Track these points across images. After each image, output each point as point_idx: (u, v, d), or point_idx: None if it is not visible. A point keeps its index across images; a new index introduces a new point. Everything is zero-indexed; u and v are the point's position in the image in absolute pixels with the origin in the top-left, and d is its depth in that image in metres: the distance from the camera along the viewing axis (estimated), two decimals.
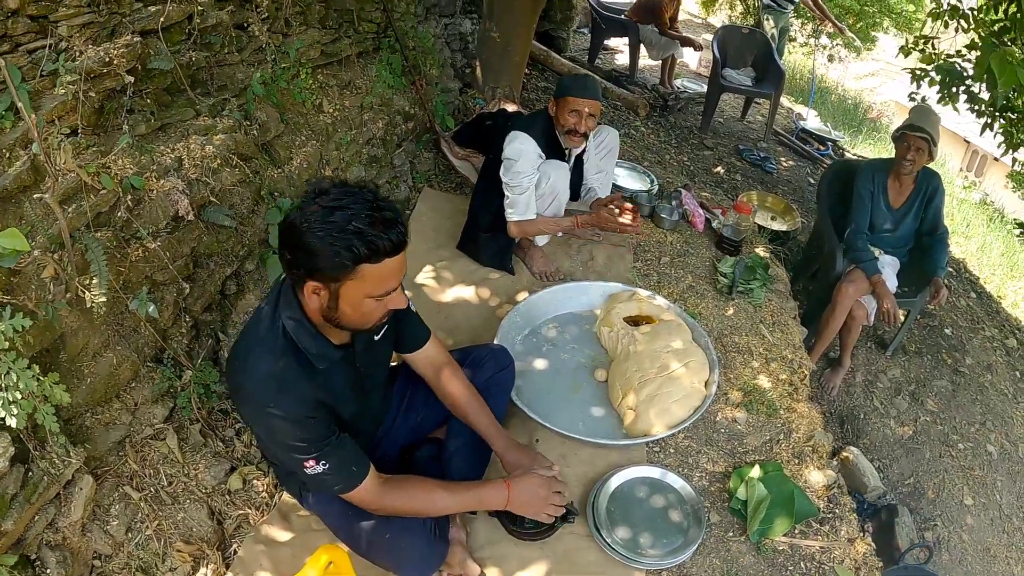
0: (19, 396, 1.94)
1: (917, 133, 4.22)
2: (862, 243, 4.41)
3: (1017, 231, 9.64)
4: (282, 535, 2.54)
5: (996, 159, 11.06)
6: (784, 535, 2.74)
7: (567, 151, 3.77)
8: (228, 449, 2.76)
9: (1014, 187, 10.55)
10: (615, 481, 2.80)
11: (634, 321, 3.47)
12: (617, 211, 3.67)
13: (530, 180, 3.57)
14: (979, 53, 3.68)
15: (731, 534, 2.74)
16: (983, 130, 5.45)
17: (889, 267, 4.47)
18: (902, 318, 4.71)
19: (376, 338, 2.24)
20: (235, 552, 2.50)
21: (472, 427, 2.51)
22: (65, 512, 2.21)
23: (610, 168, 4.11)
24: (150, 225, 2.63)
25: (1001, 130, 5.40)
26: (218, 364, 2.91)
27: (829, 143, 7.94)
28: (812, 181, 7.08)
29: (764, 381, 3.44)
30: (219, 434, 2.78)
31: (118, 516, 2.35)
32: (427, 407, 2.65)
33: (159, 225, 2.68)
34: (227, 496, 2.62)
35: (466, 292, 3.79)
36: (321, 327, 2.01)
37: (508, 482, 2.31)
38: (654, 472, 2.87)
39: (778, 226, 5.62)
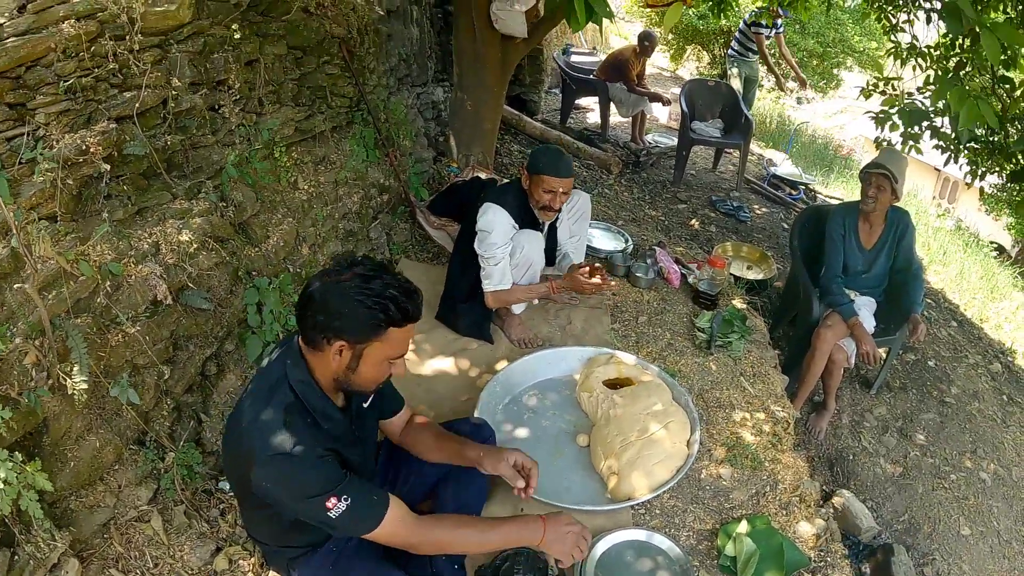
0: (1, 484, 1.94)
1: (877, 170, 4.31)
2: (836, 287, 4.45)
3: (995, 254, 9.77)
4: None
5: (967, 184, 11.21)
6: None
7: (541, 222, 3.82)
8: (213, 530, 2.73)
9: (987, 209, 10.69)
10: (601, 546, 2.78)
11: (613, 384, 3.49)
12: (588, 274, 3.72)
13: (504, 251, 3.61)
14: (936, 86, 3.75)
15: None
16: (947, 162, 5.55)
17: (865, 308, 4.51)
18: (883, 356, 4.73)
19: (364, 406, 2.35)
20: None
21: (449, 459, 2.56)
22: None
23: (583, 232, 4.15)
24: (129, 310, 2.64)
25: (966, 160, 5.49)
26: (200, 445, 2.90)
27: (801, 187, 8.05)
28: (786, 226, 7.15)
29: (747, 434, 3.44)
30: (203, 515, 2.75)
31: None
32: (410, 480, 2.66)
33: (138, 310, 2.69)
34: None
35: (445, 363, 3.80)
36: (326, 389, 2.13)
37: (543, 518, 2.31)
38: (640, 535, 2.85)
39: (754, 275, 5.67)
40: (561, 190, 3.57)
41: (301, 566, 2.34)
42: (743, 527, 2.83)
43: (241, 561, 2.65)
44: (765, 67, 8.72)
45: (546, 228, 3.88)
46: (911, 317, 4.36)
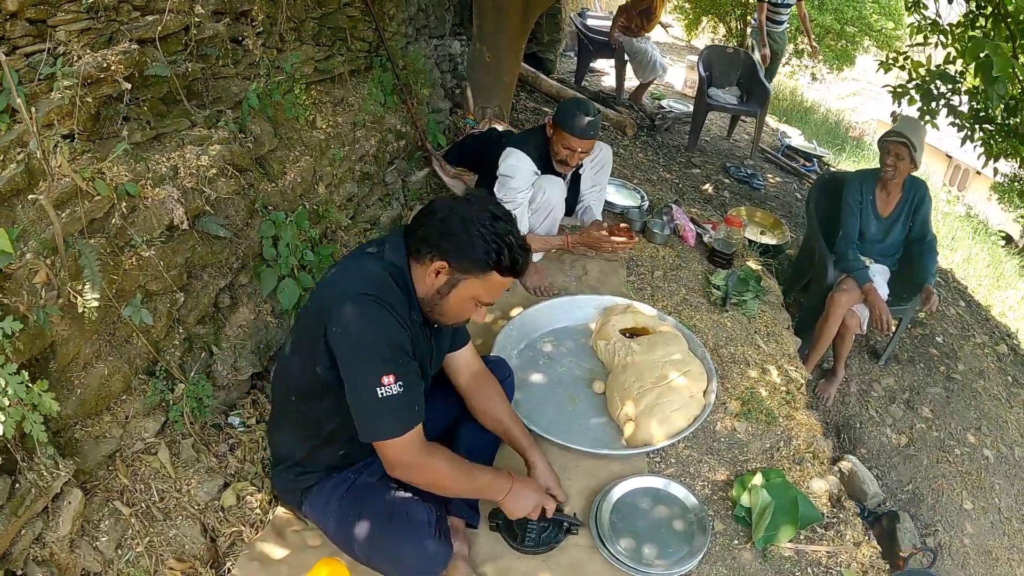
0: (7, 403, 1.85)
1: (896, 138, 4.23)
2: (852, 252, 4.38)
3: (1002, 242, 9.72)
4: (277, 552, 2.41)
5: (978, 172, 11.10)
6: (789, 541, 2.65)
7: None
8: (221, 465, 2.64)
9: (997, 199, 10.60)
10: (617, 492, 2.70)
11: (630, 333, 3.39)
12: (607, 233, 3.63)
13: (524, 196, 3.50)
14: (970, 46, 3.67)
15: (736, 542, 2.65)
16: (963, 142, 5.45)
17: (880, 276, 4.46)
18: (894, 326, 4.66)
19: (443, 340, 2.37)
20: (229, 570, 2.37)
21: (507, 441, 2.53)
22: (53, 527, 2.09)
23: (603, 183, 4.05)
24: (144, 233, 2.53)
25: (980, 141, 5.40)
26: (211, 378, 2.80)
27: (815, 159, 7.95)
28: (799, 196, 7.07)
29: (762, 390, 3.37)
30: (212, 449, 2.67)
31: (108, 532, 2.24)
32: (436, 414, 2.55)
33: (153, 234, 2.57)
34: (220, 513, 2.51)
35: None
36: (422, 294, 2.11)
37: (514, 480, 2.29)
38: (657, 482, 2.78)
39: (768, 240, 5.57)
40: (580, 150, 3.48)
41: (314, 494, 2.27)
42: (758, 480, 2.75)
43: (249, 497, 2.58)
44: (759, 39, 8.25)
45: (569, 177, 3.77)
46: (924, 287, 4.31)
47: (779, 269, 5.51)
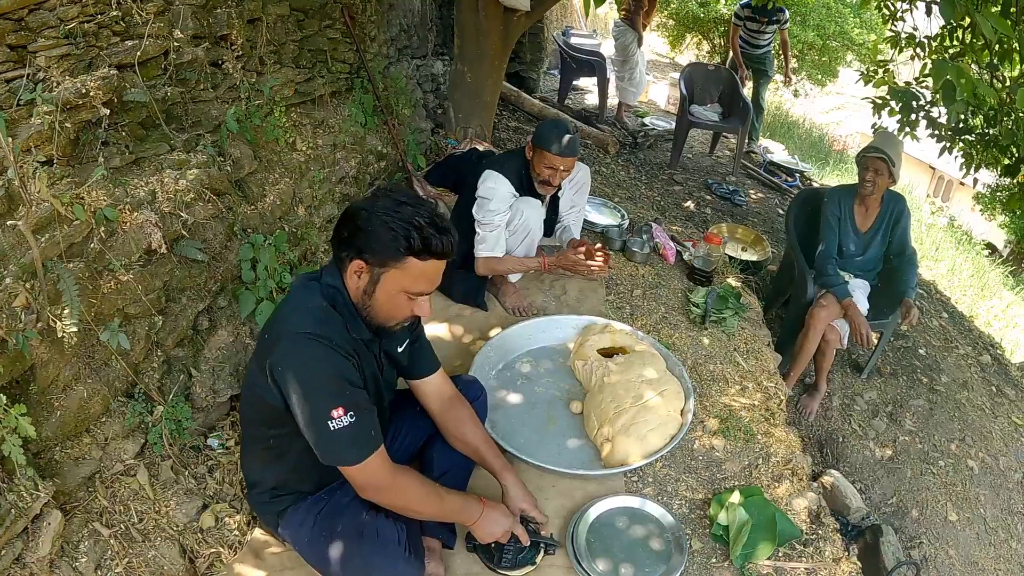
0: None
1: (874, 154, 4.27)
2: (831, 268, 4.43)
3: (986, 252, 9.80)
4: (255, 574, 2.44)
5: (961, 183, 11.17)
6: (768, 559, 2.68)
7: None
8: (200, 486, 2.67)
9: (981, 209, 10.70)
10: (594, 512, 2.74)
11: (607, 353, 3.43)
12: (584, 256, 3.69)
13: (502, 218, 3.55)
14: (932, 68, 3.75)
15: (714, 560, 2.68)
16: (941, 152, 5.51)
17: (859, 290, 4.49)
18: (875, 340, 4.71)
19: (399, 350, 2.35)
20: None
21: (480, 464, 2.53)
22: (33, 547, 2.11)
23: (582, 203, 4.09)
24: (123, 257, 2.57)
25: (960, 152, 5.47)
26: (190, 400, 2.83)
27: (796, 174, 8.01)
28: (781, 212, 7.11)
29: (740, 408, 3.41)
30: (191, 471, 2.69)
31: (87, 553, 2.26)
32: (408, 435, 2.61)
33: (132, 258, 2.62)
34: (199, 534, 2.53)
35: (439, 329, 3.73)
36: (355, 302, 2.10)
37: (485, 504, 2.33)
38: (633, 501, 2.81)
39: (748, 256, 5.63)
40: (562, 168, 3.52)
41: (288, 516, 2.29)
42: (736, 497, 2.79)
43: (227, 519, 2.60)
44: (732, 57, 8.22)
45: (547, 198, 3.82)
46: (904, 301, 4.32)
47: (760, 285, 5.56)
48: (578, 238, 4.01)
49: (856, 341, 4.31)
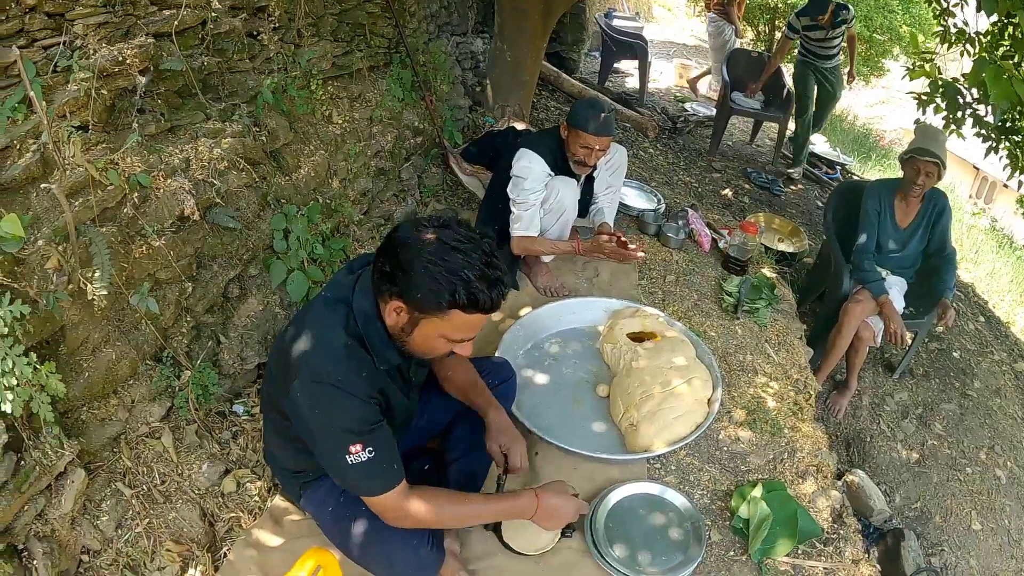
0: (15, 383, 1.93)
1: (927, 158, 4.17)
2: (868, 263, 4.37)
3: None
4: (273, 540, 2.48)
5: (1005, 185, 10.92)
6: (787, 555, 2.67)
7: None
8: (224, 451, 2.71)
9: (1023, 213, 10.49)
10: (614, 497, 2.74)
11: (637, 338, 3.41)
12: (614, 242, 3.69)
13: (536, 197, 3.54)
14: (973, 67, 3.67)
15: (732, 553, 2.67)
16: (987, 153, 5.38)
17: (896, 288, 4.43)
18: (909, 340, 4.64)
19: None
20: (225, 555, 2.44)
21: (469, 403, 2.51)
22: (55, 504, 2.16)
23: (618, 185, 4.07)
24: (155, 223, 2.60)
25: (1006, 152, 5.35)
26: (217, 366, 2.87)
27: (838, 167, 7.90)
28: (820, 204, 7.03)
29: (768, 400, 3.39)
30: (215, 436, 2.73)
31: (109, 512, 2.31)
32: (432, 412, 2.61)
33: (164, 224, 2.65)
34: (220, 498, 2.57)
35: None
36: (391, 333, 2.00)
37: (538, 495, 2.27)
38: (654, 488, 2.81)
39: (784, 247, 5.57)
40: (598, 147, 3.50)
41: (311, 490, 2.32)
42: (758, 491, 2.78)
43: (249, 485, 2.64)
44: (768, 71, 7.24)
45: (583, 178, 3.80)
46: (941, 301, 4.25)
47: (795, 278, 5.50)
48: (610, 223, 3.98)
49: (890, 340, 4.24)
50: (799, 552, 2.71)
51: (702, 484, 2.93)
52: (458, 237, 1.85)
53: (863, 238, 4.44)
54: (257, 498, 2.61)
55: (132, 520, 2.36)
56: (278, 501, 2.61)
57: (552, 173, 3.58)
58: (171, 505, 2.46)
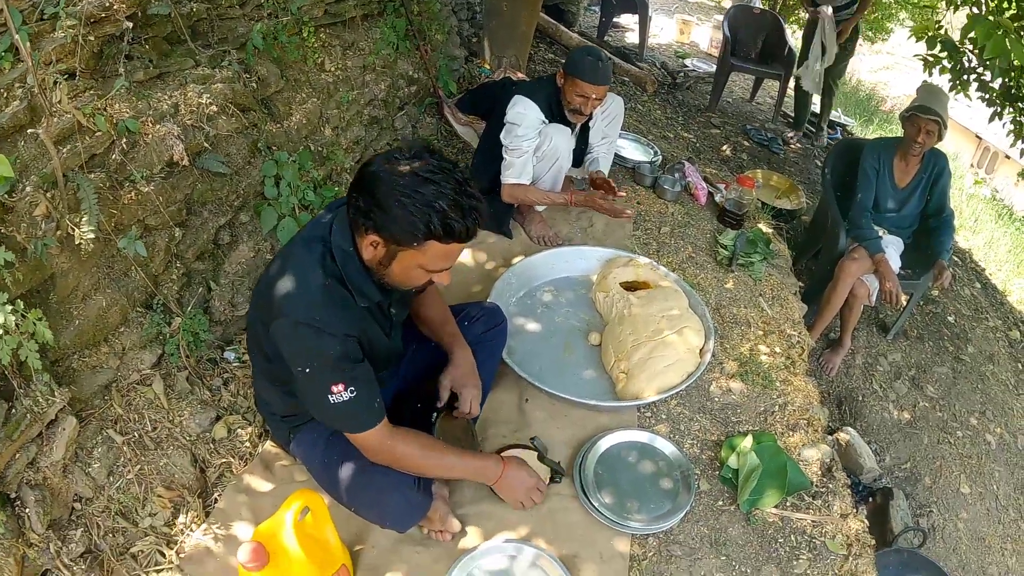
0: (1, 332, 1.94)
1: (928, 116, 4.16)
2: (865, 221, 4.37)
3: None
4: (263, 485, 2.52)
5: (1007, 156, 10.87)
6: (775, 507, 2.71)
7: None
8: (215, 398, 2.73)
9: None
10: (604, 444, 2.78)
11: (630, 287, 3.43)
12: (603, 193, 3.72)
13: (530, 144, 3.53)
14: (967, 23, 3.64)
15: (721, 503, 2.71)
16: (991, 119, 5.37)
17: (892, 247, 4.43)
18: (904, 300, 4.66)
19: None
20: (216, 500, 2.47)
21: (437, 340, 2.55)
22: (47, 452, 2.18)
23: (614, 135, 4.05)
24: (144, 169, 2.60)
25: (1010, 118, 5.32)
26: (208, 313, 2.89)
27: (839, 127, 7.86)
28: (819, 164, 7.00)
29: (761, 353, 3.41)
30: (206, 383, 2.75)
31: (100, 459, 2.33)
32: (416, 357, 2.64)
33: (153, 170, 2.64)
34: (211, 444, 2.60)
35: (462, 254, 3.70)
36: (369, 267, 2.01)
37: (506, 463, 2.37)
38: (644, 437, 2.84)
39: (782, 205, 5.56)
40: (594, 96, 3.47)
41: (302, 433, 2.35)
42: (748, 442, 2.81)
43: (240, 430, 2.67)
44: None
45: (578, 128, 3.78)
46: (937, 262, 4.27)
47: (792, 236, 5.51)
48: (605, 172, 3.98)
49: (884, 299, 4.26)
50: (787, 504, 2.74)
51: (692, 434, 2.96)
52: (430, 168, 1.85)
53: (861, 196, 4.44)
54: (248, 444, 2.64)
55: (123, 467, 2.38)
56: (269, 447, 2.64)
57: (546, 120, 3.56)
58: (162, 452, 2.48)
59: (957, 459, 4.47)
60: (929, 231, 4.51)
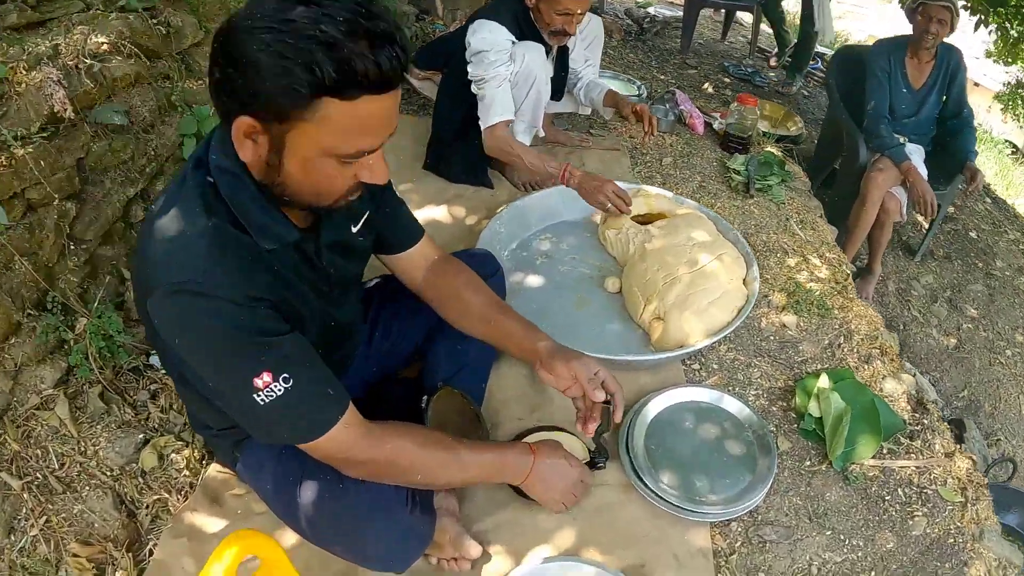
0: None
1: (939, 2, 3.59)
2: (885, 128, 3.78)
3: (1009, 151, 9.26)
4: (211, 523, 1.78)
5: (976, 84, 10.51)
6: (872, 457, 2.05)
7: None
8: (140, 417, 1.99)
9: (1001, 108, 10.09)
10: (652, 410, 2.06)
11: (644, 221, 2.71)
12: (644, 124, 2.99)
13: (505, 69, 2.77)
14: None
15: (808, 463, 2.04)
16: (976, 27, 4.98)
17: (916, 155, 3.84)
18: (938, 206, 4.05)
19: (354, 231, 1.50)
20: (151, 552, 1.75)
21: (491, 336, 1.68)
22: None
23: (596, 59, 3.33)
24: (18, 128, 1.88)
25: (995, 25, 4.82)
26: (124, 309, 2.16)
27: (819, 58, 7.24)
28: (805, 93, 6.45)
29: (807, 280, 2.74)
30: (128, 398, 2.03)
31: None
32: (393, 334, 1.90)
33: (31, 128, 1.92)
34: (139, 478, 1.87)
35: (437, 212, 2.98)
36: (265, 186, 1.24)
37: (534, 450, 1.62)
38: (700, 394, 2.14)
39: (783, 132, 4.86)
40: (579, 10, 2.75)
41: (247, 448, 1.59)
42: (824, 381, 2.14)
43: (175, 455, 1.93)
44: None
45: (554, 51, 3.04)
46: (967, 165, 3.76)
47: (798, 162, 4.86)
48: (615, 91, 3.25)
49: (918, 208, 3.70)
50: (884, 451, 2.09)
51: (753, 383, 2.27)
52: None
53: (874, 102, 3.84)
54: (187, 472, 1.90)
55: (26, 520, 1.72)
56: (214, 471, 1.90)
57: (515, 40, 2.83)
58: (75, 494, 1.80)
59: (1012, 380, 3.93)
60: (949, 135, 3.97)
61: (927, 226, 4.50)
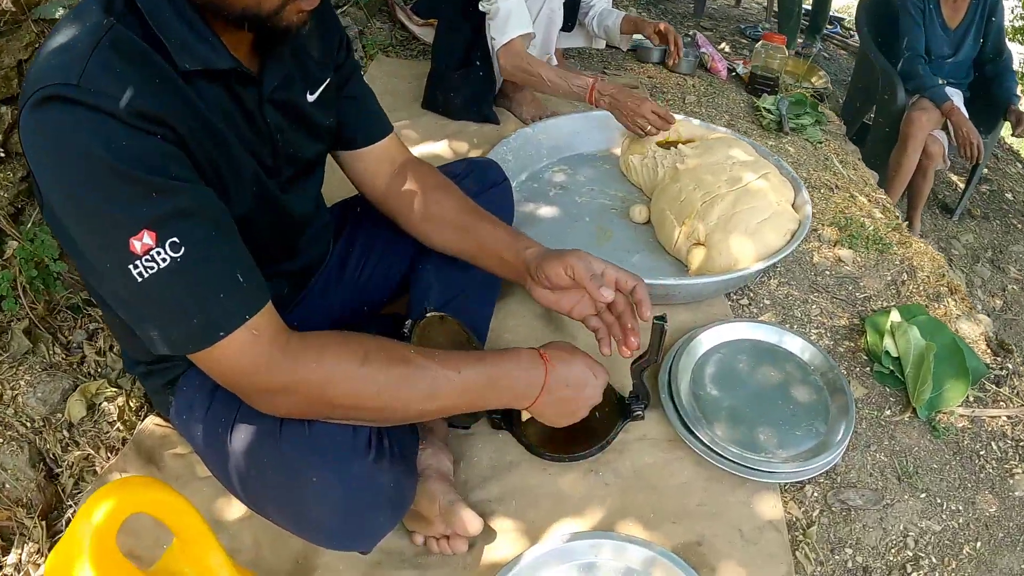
0: None
1: None
2: (923, 68, 3.43)
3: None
4: None
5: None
6: (959, 405, 1.65)
7: None
8: (71, 360, 1.60)
9: (1008, 38, 9.76)
10: (698, 348, 1.65)
11: (670, 145, 2.28)
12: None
13: None
14: None
15: (888, 412, 1.64)
16: None
17: (956, 98, 3.46)
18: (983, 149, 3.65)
19: (311, 99, 1.13)
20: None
21: (468, 249, 1.31)
22: None
23: None
24: None
25: None
26: None
27: (837, 22, 6.87)
28: (826, 56, 6.11)
29: (859, 216, 2.34)
30: (60, 337, 1.64)
31: None
32: (383, 255, 1.49)
33: None
34: (63, 432, 1.48)
35: (436, 147, 2.54)
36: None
37: (546, 358, 1.15)
38: (756, 331, 1.73)
39: (807, 86, 4.46)
40: None
41: (179, 389, 1.17)
42: (897, 316, 1.74)
43: (107, 404, 1.53)
44: None
45: None
46: (1011, 108, 3.43)
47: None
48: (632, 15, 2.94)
49: (963, 152, 3.33)
50: (970, 399, 1.70)
51: (812, 320, 1.86)
52: None
53: (909, 40, 3.49)
54: (120, 425, 1.51)
55: None
56: (150, 424, 1.49)
57: None
58: None
59: None
60: (989, 79, 3.62)
61: (963, 185, 4.12)
